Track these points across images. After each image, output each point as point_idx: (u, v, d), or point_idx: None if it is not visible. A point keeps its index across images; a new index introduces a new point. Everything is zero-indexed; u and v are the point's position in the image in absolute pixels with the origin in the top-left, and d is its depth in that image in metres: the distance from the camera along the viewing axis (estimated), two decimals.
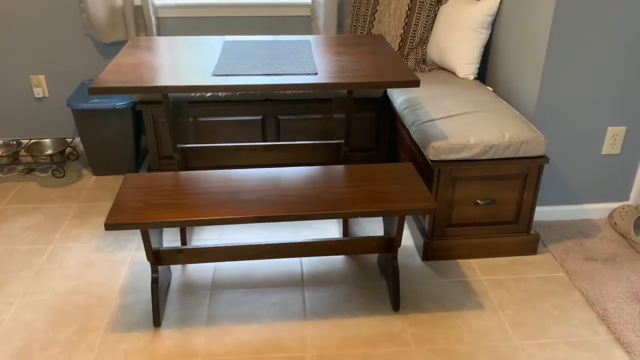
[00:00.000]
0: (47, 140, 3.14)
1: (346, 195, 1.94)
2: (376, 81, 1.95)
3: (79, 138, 3.25)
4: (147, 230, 1.87)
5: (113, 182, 2.99)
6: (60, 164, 3.07)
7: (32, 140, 3.14)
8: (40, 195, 2.85)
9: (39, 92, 3.16)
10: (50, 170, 3.07)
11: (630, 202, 2.67)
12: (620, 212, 2.59)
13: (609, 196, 2.66)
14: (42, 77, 3.14)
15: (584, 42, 2.30)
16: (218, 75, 1.99)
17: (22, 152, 3.07)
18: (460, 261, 2.38)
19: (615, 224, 2.57)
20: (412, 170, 2.12)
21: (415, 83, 1.98)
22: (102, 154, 2.98)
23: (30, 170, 3.09)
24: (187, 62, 2.13)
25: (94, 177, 3.05)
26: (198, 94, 2.78)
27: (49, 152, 3.10)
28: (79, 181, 3.01)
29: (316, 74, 2.02)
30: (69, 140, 3.14)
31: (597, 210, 2.67)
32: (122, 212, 1.83)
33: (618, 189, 2.64)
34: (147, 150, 3.28)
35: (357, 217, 1.87)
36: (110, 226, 1.77)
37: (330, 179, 2.05)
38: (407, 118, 2.49)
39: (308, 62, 2.15)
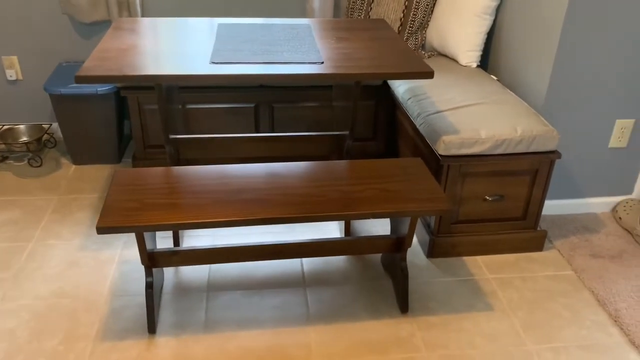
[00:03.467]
0: (22, 126, 2.92)
1: (355, 194, 1.82)
2: (389, 72, 1.82)
3: (56, 124, 3.04)
4: (142, 233, 1.72)
5: (95, 172, 2.81)
6: (37, 152, 2.87)
7: (5, 126, 2.92)
8: (17, 187, 2.66)
9: (11, 75, 2.94)
10: (26, 159, 2.87)
11: (633, 195, 2.62)
12: (624, 207, 2.54)
13: (613, 190, 2.60)
14: (14, 58, 2.91)
15: (597, 32, 2.20)
16: (217, 64, 1.83)
17: None
18: (465, 258, 2.30)
19: (620, 218, 2.52)
20: (422, 166, 2.01)
21: (429, 75, 1.86)
22: (83, 141, 2.79)
23: (3, 159, 2.87)
24: (180, 48, 1.96)
25: (74, 166, 2.86)
26: None
27: (25, 139, 2.89)
28: (57, 171, 2.81)
29: (322, 62, 1.88)
30: (46, 126, 2.93)
31: (600, 204, 2.61)
32: (114, 213, 1.67)
33: (622, 182, 2.58)
34: (130, 137, 3.09)
35: (368, 218, 1.75)
36: (102, 230, 1.61)
37: (336, 176, 1.93)
38: (412, 109, 2.37)
39: (311, 49, 2.01)
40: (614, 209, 2.59)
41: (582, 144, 2.44)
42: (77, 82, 1.70)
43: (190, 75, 1.74)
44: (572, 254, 2.33)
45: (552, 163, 2.17)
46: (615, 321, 2.00)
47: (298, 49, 2.00)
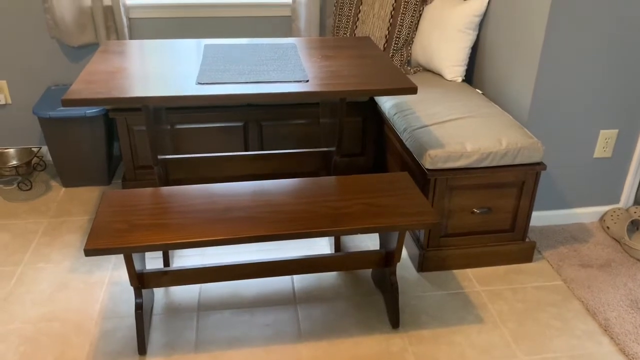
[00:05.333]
0: (11, 150, 2.93)
1: (343, 209, 1.84)
2: (373, 89, 1.85)
3: (45, 147, 3.05)
4: (131, 254, 1.73)
5: (85, 194, 2.81)
6: (27, 175, 2.87)
7: None
8: (6, 211, 2.65)
9: (0, 99, 2.95)
10: (15, 183, 2.87)
11: (620, 205, 2.65)
12: (612, 216, 2.56)
13: (600, 199, 2.63)
14: (3, 83, 2.92)
15: (578, 44, 2.25)
16: (203, 84, 1.85)
17: None
18: (455, 271, 2.31)
19: (608, 227, 2.54)
20: (409, 180, 2.02)
21: (413, 90, 1.89)
22: (73, 164, 2.79)
23: None
24: (167, 69, 1.98)
25: (64, 188, 2.86)
26: None
27: (14, 162, 2.89)
28: (47, 194, 2.81)
29: (308, 81, 1.90)
30: (35, 149, 2.93)
31: (587, 214, 2.64)
32: (103, 235, 1.68)
33: (609, 192, 2.61)
34: (120, 158, 3.10)
35: (357, 233, 1.77)
36: (90, 252, 1.61)
37: (324, 192, 1.94)
38: (398, 124, 2.40)
39: (297, 67, 2.03)
40: (602, 219, 2.62)
41: (568, 155, 2.47)
42: (64, 105, 1.72)
43: (176, 97, 1.76)
44: (561, 264, 2.34)
45: (537, 175, 2.19)
46: (605, 330, 2.01)
47: (283, 68, 2.03)
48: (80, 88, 1.79)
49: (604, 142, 2.47)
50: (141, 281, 1.86)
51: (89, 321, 2.00)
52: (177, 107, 2.66)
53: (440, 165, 2.10)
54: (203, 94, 1.76)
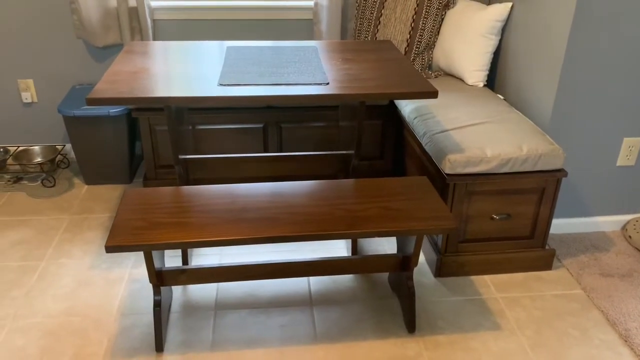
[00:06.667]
0: (36, 148, 2.99)
1: (360, 212, 1.84)
2: (393, 92, 1.85)
3: (69, 145, 3.11)
4: (150, 251, 1.75)
5: (106, 192, 2.86)
6: (51, 172, 2.93)
7: (20, 148, 2.99)
8: (30, 207, 2.71)
9: (27, 97, 3.01)
10: (39, 179, 2.93)
11: None
12: (634, 225, 2.52)
13: (622, 208, 2.59)
14: (30, 82, 2.99)
15: (601, 52, 2.22)
16: (225, 85, 1.87)
17: (10, 160, 2.92)
18: (473, 277, 2.29)
19: (630, 237, 2.50)
20: (427, 184, 2.02)
21: (433, 94, 1.88)
22: (95, 162, 2.84)
23: (18, 179, 2.94)
24: (189, 70, 2.01)
25: (86, 186, 2.91)
26: None
27: (39, 160, 2.95)
28: (70, 191, 2.86)
29: (328, 83, 1.91)
30: (60, 147, 2.99)
31: (609, 222, 2.60)
32: (123, 232, 1.70)
33: (631, 201, 2.57)
34: (141, 157, 3.14)
35: (373, 237, 1.77)
36: (111, 248, 1.64)
37: (342, 195, 1.94)
38: (418, 128, 2.39)
39: (317, 70, 2.04)
40: (624, 228, 2.57)
41: (590, 162, 2.44)
42: (88, 104, 1.75)
43: (198, 97, 1.78)
44: (581, 273, 2.31)
45: (558, 181, 2.17)
46: (625, 341, 1.98)
47: (304, 70, 2.04)
48: (104, 87, 1.82)
49: (628, 150, 2.43)
50: (160, 279, 1.88)
51: (108, 317, 2.03)
52: (198, 108, 2.70)
53: (459, 170, 2.09)
54: (224, 95, 1.78)
